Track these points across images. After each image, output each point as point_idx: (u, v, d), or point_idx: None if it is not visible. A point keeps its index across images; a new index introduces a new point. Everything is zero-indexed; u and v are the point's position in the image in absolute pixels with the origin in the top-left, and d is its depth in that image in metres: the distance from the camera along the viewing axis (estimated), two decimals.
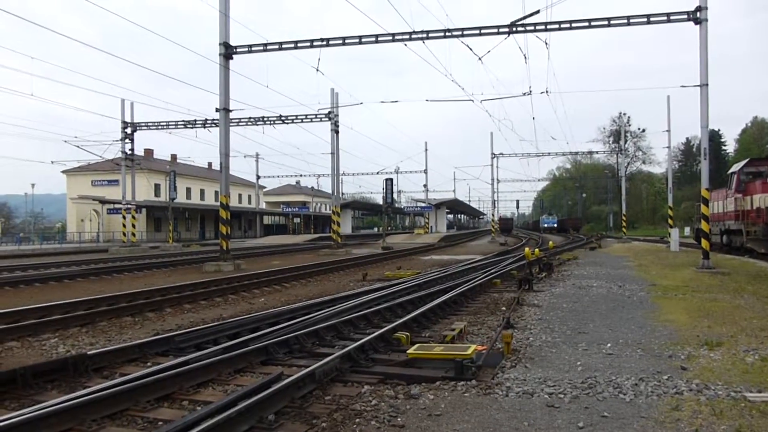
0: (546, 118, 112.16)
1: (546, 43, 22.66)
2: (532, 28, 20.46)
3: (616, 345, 7.18)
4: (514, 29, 20.50)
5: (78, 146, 35.61)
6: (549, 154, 56.28)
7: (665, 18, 19.31)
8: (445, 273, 16.22)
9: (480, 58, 22.50)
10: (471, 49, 21.79)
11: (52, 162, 41.35)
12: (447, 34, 21.36)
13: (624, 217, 54.26)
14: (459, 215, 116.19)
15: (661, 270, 18.32)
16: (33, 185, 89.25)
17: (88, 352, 6.40)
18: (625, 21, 19.54)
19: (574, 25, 20.05)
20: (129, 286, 14.89)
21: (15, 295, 13.56)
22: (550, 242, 31.09)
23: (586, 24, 19.94)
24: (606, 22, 19.71)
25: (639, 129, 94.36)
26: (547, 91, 27.37)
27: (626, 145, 78.40)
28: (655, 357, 6.52)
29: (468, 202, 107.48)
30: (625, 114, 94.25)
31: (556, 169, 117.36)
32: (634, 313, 9.71)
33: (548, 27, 20.29)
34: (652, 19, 19.42)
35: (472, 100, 27.89)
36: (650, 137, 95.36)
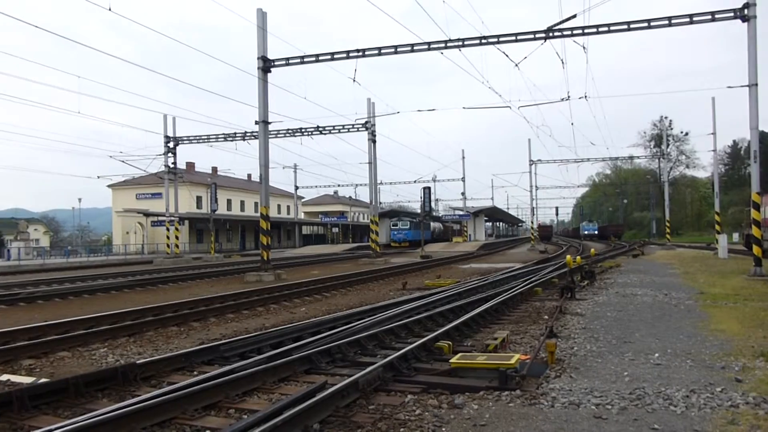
0: (585, 123, 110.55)
1: (584, 48, 22.29)
2: (569, 32, 20.22)
3: (664, 355, 6.99)
4: (551, 34, 20.30)
5: (123, 161, 36.65)
6: (588, 159, 55.26)
7: (710, 17, 18.81)
8: (485, 281, 16.08)
9: (517, 65, 22.37)
10: (507, 55, 21.69)
11: (99, 177, 42.49)
12: (483, 41, 21.29)
13: (668, 224, 52.86)
14: (497, 223, 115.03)
15: (710, 278, 17.77)
16: (80, 200, 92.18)
17: (137, 362, 6.58)
18: (666, 22, 19.13)
19: (612, 28, 19.73)
20: (174, 296, 15.21)
21: (65, 306, 14.01)
22: (592, 249, 30.47)
23: (625, 27, 19.61)
24: (646, 24, 19.34)
25: (682, 132, 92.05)
26: (585, 96, 26.96)
27: (668, 150, 76.46)
28: (706, 368, 6.32)
29: (506, 210, 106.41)
30: (666, 117, 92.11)
31: (595, 175, 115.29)
32: (682, 322, 9.44)
33: (586, 31, 20.03)
34: (695, 18, 18.95)
35: (510, 107, 27.71)
36: (694, 140, 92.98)
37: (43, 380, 6.38)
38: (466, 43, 21.46)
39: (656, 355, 7.00)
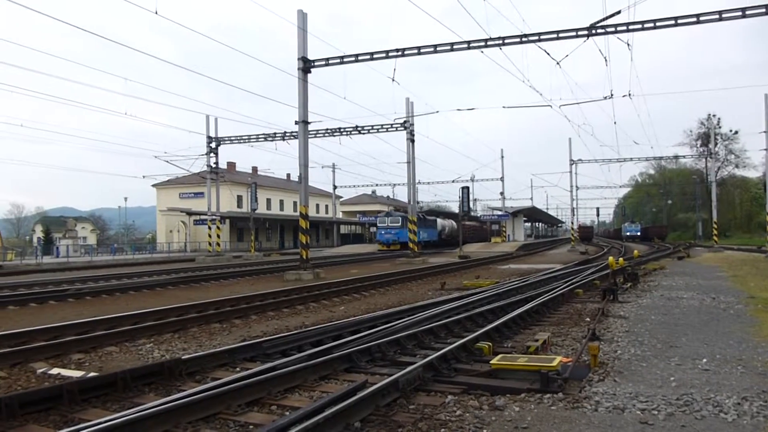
0: (628, 121, 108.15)
1: (628, 45, 21.73)
2: (613, 29, 19.78)
3: (712, 360, 6.79)
4: (594, 31, 19.90)
5: (167, 161, 37.52)
6: (631, 159, 54.00)
7: (763, 10, 18.11)
8: (525, 282, 15.88)
9: (558, 63, 22.02)
10: (548, 53, 21.38)
11: (144, 176, 43.65)
12: (523, 39, 21.02)
13: (715, 225, 51.22)
14: (536, 223, 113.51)
15: (761, 281, 17.15)
16: (126, 199, 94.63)
17: (182, 357, 6.73)
18: (717, 17, 18.54)
19: (658, 24, 19.22)
20: (215, 294, 15.50)
21: (112, 302, 14.43)
22: (635, 251, 29.77)
23: (672, 22, 19.07)
24: (694, 19, 18.78)
25: (731, 131, 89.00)
26: (629, 95, 26.38)
27: (716, 149, 74.06)
28: (759, 375, 6.11)
29: (546, 210, 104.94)
30: (714, 115, 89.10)
31: (638, 174, 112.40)
32: (731, 327, 9.14)
33: (630, 27, 19.56)
34: (748, 12, 18.27)
35: (551, 106, 27.30)
36: (744, 139, 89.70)
37: (92, 374, 6.59)
38: (506, 41, 21.22)
39: (704, 360, 6.80)
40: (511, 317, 9.36)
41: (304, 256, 22.38)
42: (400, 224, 48.56)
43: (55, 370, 7.01)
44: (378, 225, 52.27)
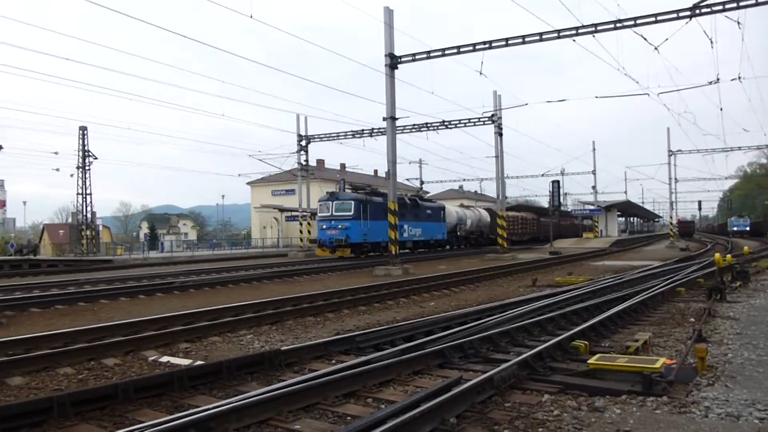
0: (736, 107, 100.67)
1: (738, 23, 20.18)
2: (720, 7, 18.51)
3: None
4: (698, 11, 18.72)
5: (260, 159, 39.02)
6: (740, 148, 50.40)
7: None
8: (621, 280, 15.24)
9: (656, 48, 20.88)
10: (645, 38, 20.30)
11: (239, 175, 45.83)
12: (618, 25, 20.13)
13: None
14: (631, 218, 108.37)
15: None
16: (223, 196, 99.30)
17: (281, 348, 7.00)
18: None
19: None
20: (308, 288, 15.96)
21: (213, 294, 15.20)
22: (745, 247, 27.77)
23: None
24: None
25: None
26: (739, 78, 24.60)
27: None
28: None
29: (641, 204, 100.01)
30: None
31: (747, 165, 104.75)
32: None
33: (741, 4, 18.19)
34: None
35: (648, 94, 25.99)
36: None
37: (198, 362, 6.98)
38: (599, 28, 20.42)
39: None
40: (607, 316, 9.02)
41: (394, 252, 22.59)
42: (351, 213, 30.57)
43: (164, 358, 7.49)
44: (318, 215, 32.77)
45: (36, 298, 13.72)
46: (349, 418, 4.89)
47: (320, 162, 68.42)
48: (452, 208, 45.15)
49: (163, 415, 4.89)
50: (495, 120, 33.61)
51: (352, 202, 31.34)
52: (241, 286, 17.31)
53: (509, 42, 21.88)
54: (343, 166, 72.76)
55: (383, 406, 5.07)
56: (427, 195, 76.85)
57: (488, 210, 50.55)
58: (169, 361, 7.31)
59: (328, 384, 5.44)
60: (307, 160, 41.18)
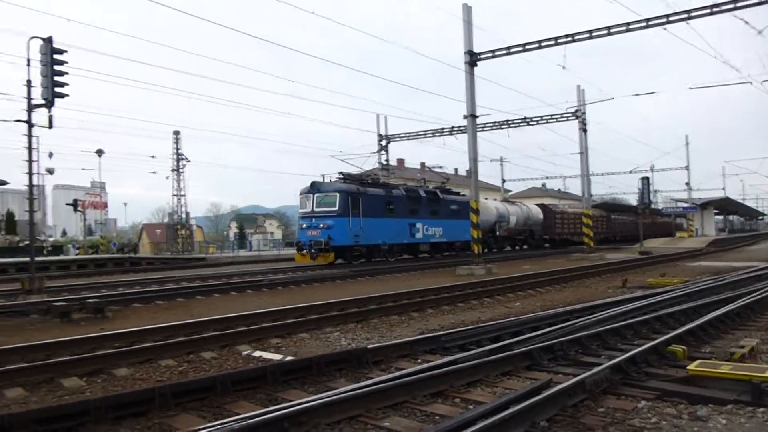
0: None
1: None
2: None
3: None
4: None
5: (342, 160, 39.61)
6: None
7: None
8: (721, 282, 14.36)
9: (760, 32, 19.47)
10: (746, 21, 18.97)
11: (323, 175, 46.63)
12: (715, 9, 18.94)
13: None
14: (730, 216, 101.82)
15: None
16: None
17: (368, 346, 7.10)
18: None
19: None
20: (391, 287, 16.08)
21: (299, 292, 15.64)
22: None
23: None
24: None
25: None
26: None
27: None
28: None
29: (742, 201, 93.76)
30: None
31: None
32: None
33: None
34: None
35: (750, 82, 24.31)
36: None
37: (289, 358, 7.22)
38: (692, 14, 19.30)
39: None
40: (707, 320, 8.52)
41: (477, 251, 22.37)
42: (335, 208, 24.78)
43: (257, 353, 7.79)
44: (299, 211, 27.48)
45: (138, 293, 14.65)
46: (437, 417, 4.90)
47: (400, 161, 68.78)
48: (490, 203, 38.87)
49: (258, 408, 5.09)
50: (579, 115, 32.56)
51: (338, 195, 24.98)
52: (325, 285, 17.70)
53: (593, 34, 21.12)
54: (422, 165, 72.79)
55: (471, 407, 5.04)
56: (509, 194, 75.36)
57: (541, 206, 45.41)
58: (261, 356, 7.59)
59: (416, 383, 5.47)
60: (387, 160, 41.46)
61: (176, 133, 48.27)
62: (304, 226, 25.67)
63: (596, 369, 5.62)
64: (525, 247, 41.99)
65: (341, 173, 27.17)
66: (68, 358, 7.22)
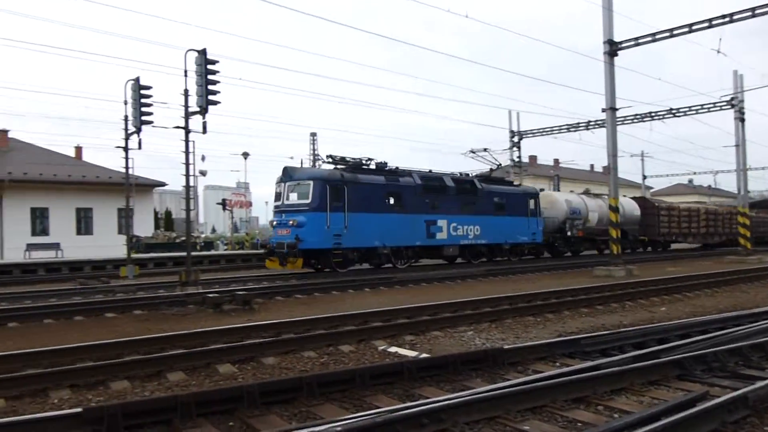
0: None
1: None
2: None
3: None
4: None
5: (473, 157, 39.35)
6: None
7: None
8: None
9: None
10: None
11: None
12: None
13: None
14: None
15: None
16: None
17: (504, 347, 7.00)
18: None
19: None
20: (523, 287, 15.70)
21: (429, 290, 15.76)
22: None
23: None
24: None
25: None
26: None
27: None
28: None
29: None
30: None
31: None
32: None
33: None
34: None
35: None
36: None
37: (424, 355, 7.31)
38: None
39: None
40: None
41: (616, 251, 21.22)
42: (308, 201, 19.80)
43: (392, 349, 7.96)
44: (274, 209, 21.62)
45: (279, 288, 15.56)
46: (579, 424, 4.72)
47: (532, 158, 67.06)
48: (558, 196, 32.52)
49: (397, 403, 5.21)
50: (735, 104, 29.69)
51: (311, 183, 19.79)
52: (457, 283, 17.68)
53: (756, 11, 19.09)
54: (556, 161, 70.34)
55: (616, 416, 4.81)
56: (651, 191, 70.51)
57: (639, 200, 37.51)
58: (397, 352, 7.75)
59: (556, 387, 5.31)
60: (519, 156, 40.58)
61: (313, 134, 50.64)
62: (275, 223, 20.97)
63: (761, 383, 5.11)
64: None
65: (330, 156, 21.65)
66: (222, 346, 7.84)
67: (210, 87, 16.48)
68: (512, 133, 39.59)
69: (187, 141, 16.88)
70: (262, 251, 28.05)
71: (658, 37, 21.27)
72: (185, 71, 16.69)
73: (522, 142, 39.97)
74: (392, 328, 9.16)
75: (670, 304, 12.61)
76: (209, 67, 16.53)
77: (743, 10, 19.34)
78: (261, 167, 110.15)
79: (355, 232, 20.26)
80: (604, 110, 22.06)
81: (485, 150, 28.04)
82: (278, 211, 20.71)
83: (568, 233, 30.64)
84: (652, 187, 78.65)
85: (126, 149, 21.24)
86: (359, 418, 4.39)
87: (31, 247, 31.85)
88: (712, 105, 30.07)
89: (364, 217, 20.53)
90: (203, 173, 46.79)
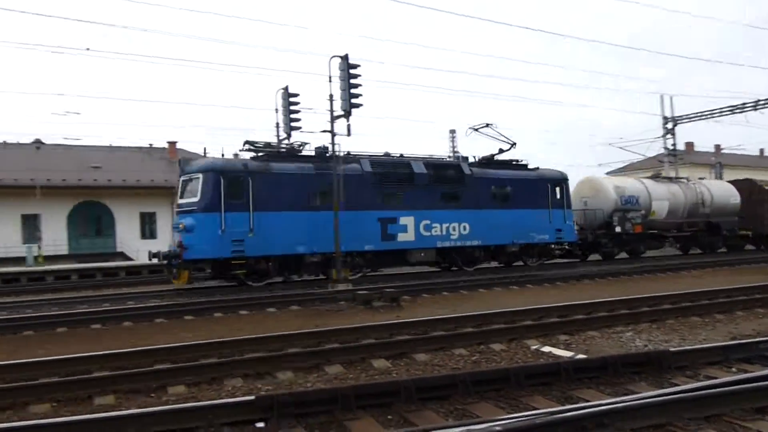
0: None
1: None
2: None
3: None
4: None
5: (621, 147, 37.25)
6: None
7: None
8: None
9: None
10: None
11: (599, 165, 44.65)
12: None
13: None
14: None
15: None
16: None
17: (671, 349, 6.54)
18: None
19: None
20: (683, 285, 14.54)
21: (568, 288, 15.13)
22: None
23: None
24: None
25: None
26: None
27: None
28: None
29: None
30: None
31: None
32: None
33: None
34: None
35: None
36: None
37: (580, 356, 7.03)
38: None
39: None
40: None
41: None
42: (197, 199, 16.48)
43: (546, 348, 7.74)
44: (177, 209, 18.55)
45: (427, 284, 15.81)
46: None
47: (689, 145, 61.72)
48: (604, 181, 25.80)
49: (555, 404, 5.07)
50: None
51: (201, 177, 16.47)
52: (596, 282, 16.79)
53: None
54: (717, 147, 64.12)
55: None
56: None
57: (741, 182, 29.68)
58: (551, 352, 7.53)
59: (733, 394, 4.86)
60: (674, 144, 37.67)
61: (452, 131, 50.52)
62: (179, 221, 16.88)
63: None
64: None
65: (247, 141, 18.27)
66: (374, 341, 8.13)
67: (353, 91, 17.09)
68: (665, 119, 36.85)
69: (333, 144, 17.62)
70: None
71: None
72: (329, 77, 17.42)
73: (677, 128, 37.08)
74: (544, 327, 8.92)
75: None
76: (351, 71, 17.14)
77: None
78: None
79: (266, 235, 16.50)
80: None
81: (488, 125, 22.04)
82: (181, 210, 17.21)
83: (617, 229, 23.81)
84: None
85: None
86: (518, 419, 4.34)
87: None
88: None
89: (280, 217, 16.79)
90: None
